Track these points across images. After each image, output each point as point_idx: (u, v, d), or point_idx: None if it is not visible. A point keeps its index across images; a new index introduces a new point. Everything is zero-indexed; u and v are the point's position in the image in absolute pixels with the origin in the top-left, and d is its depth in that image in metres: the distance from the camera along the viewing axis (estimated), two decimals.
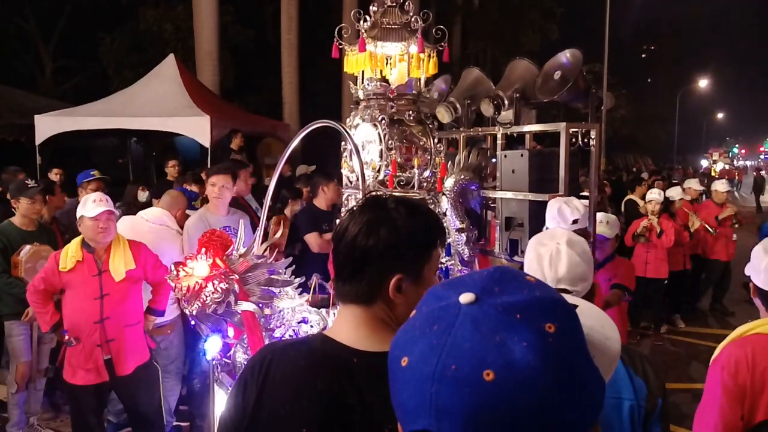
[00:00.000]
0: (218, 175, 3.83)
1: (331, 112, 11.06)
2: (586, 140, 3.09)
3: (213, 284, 1.75)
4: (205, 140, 7.50)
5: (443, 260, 2.67)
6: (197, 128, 7.56)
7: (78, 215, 3.16)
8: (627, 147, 26.03)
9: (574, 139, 3.09)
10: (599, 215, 3.65)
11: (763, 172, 26.11)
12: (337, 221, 1.15)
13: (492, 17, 19.37)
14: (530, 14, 19.72)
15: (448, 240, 2.73)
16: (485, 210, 3.70)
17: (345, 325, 1.12)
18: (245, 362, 1.75)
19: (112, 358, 3.14)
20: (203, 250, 1.83)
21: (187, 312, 1.79)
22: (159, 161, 7.65)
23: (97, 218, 3.07)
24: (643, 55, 35.80)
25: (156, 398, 3.39)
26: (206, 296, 1.74)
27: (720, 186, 7.13)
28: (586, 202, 3.02)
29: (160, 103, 8.00)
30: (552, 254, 1.56)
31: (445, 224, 2.77)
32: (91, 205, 3.09)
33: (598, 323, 0.91)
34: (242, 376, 1.13)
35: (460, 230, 2.76)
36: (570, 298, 0.83)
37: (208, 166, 6.14)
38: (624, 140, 25.57)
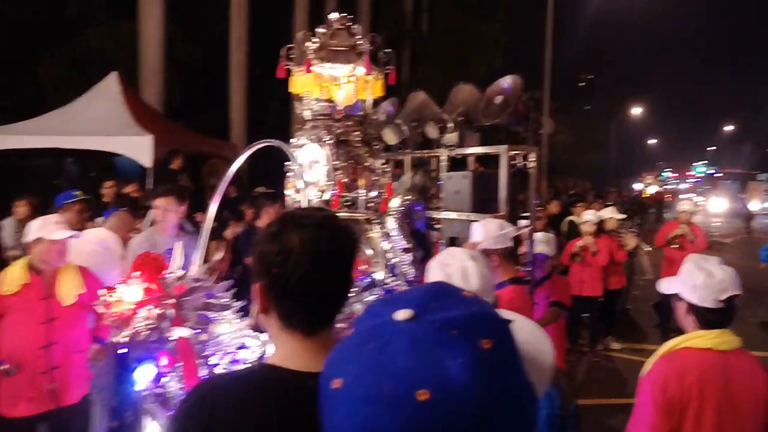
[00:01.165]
0: (162, 197, 3.73)
1: (281, 132, 10.93)
2: (525, 163, 3.21)
3: (146, 310, 1.66)
4: (147, 160, 7.24)
5: (388, 280, 2.66)
6: (138, 148, 7.30)
7: (33, 236, 3.01)
8: (567, 171, 27.27)
9: (514, 162, 3.20)
10: (539, 235, 3.76)
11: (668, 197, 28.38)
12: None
13: (439, 44, 19.99)
14: (476, 43, 20.47)
15: (394, 260, 2.73)
16: (429, 230, 3.75)
17: (301, 352, 1.06)
18: (180, 392, 1.66)
19: (56, 387, 2.98)
20: (137, 273, 1.75)
21: (115, 340, 1.69)
22: (97, 183, 7.27)
23: (57, 242, 2.97)
24: (582, 84, 37.71)
25: None
26: (138, 323, 1.65)
27: (683, 206, 7.19)
28: (526, 222, 3.11)
29: (100, 122, 7.67)
30: (461, 271, 1.68)
31: (390, 244, 2.78)
32: (54, 227, 2.99)
33: (533, 337, 0.92)
34: (180, 421, 1.04)
35: (406, 250, 2.77)
36: (504, 313, 0.84)
37: (146, 186, 5.91)
38: (564, 165, 26.73)
